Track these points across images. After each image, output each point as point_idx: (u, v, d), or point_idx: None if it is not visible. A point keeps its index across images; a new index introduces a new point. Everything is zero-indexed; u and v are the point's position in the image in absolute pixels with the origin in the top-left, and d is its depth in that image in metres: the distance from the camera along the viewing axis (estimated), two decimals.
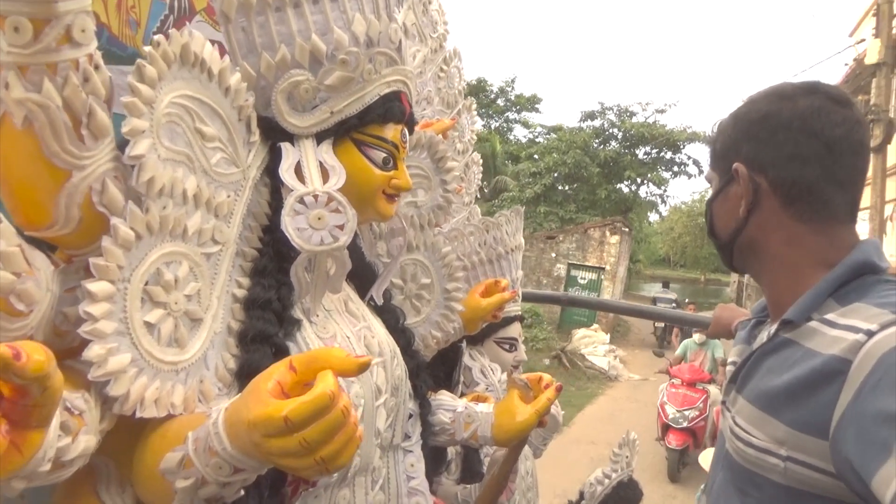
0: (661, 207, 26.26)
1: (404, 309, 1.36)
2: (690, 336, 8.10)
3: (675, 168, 23.21)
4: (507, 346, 1.79)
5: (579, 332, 13.52)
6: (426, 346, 1.43)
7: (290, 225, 0.92)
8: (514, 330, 1.81)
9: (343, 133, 1.01)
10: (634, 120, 22.37)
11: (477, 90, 24.80)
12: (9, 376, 0.52)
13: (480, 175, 1.89)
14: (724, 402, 1.06)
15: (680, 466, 6.85)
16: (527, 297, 2.35)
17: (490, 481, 1.43)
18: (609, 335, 14.02)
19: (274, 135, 0.99)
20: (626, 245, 16.76)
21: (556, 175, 20.67)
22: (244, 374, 0.90)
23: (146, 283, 0.79)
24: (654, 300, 17.44)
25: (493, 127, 25.84)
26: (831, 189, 0.93)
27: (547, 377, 1.30)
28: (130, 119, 0.75)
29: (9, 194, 0.74)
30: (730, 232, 1.02)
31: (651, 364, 8.21)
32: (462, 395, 1.55)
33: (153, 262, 0.79)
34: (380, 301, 1.22)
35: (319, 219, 0.93)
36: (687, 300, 19.44)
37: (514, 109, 26.47)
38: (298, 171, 0.96)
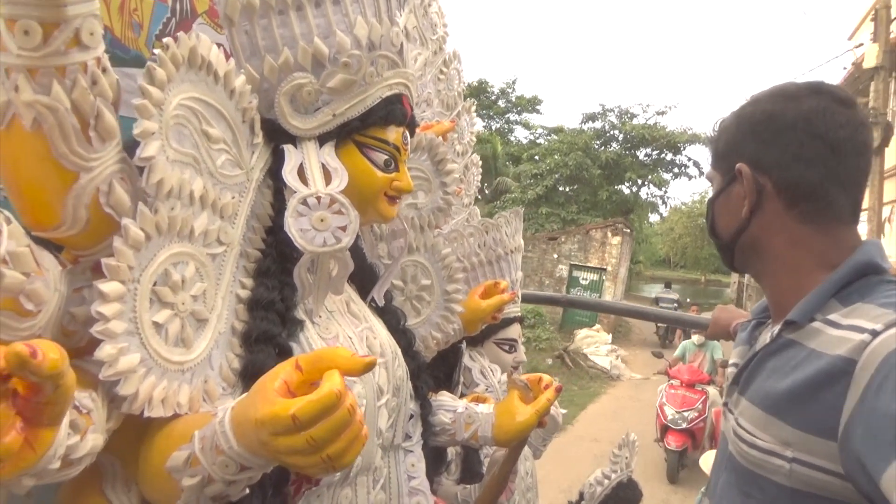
0: (662, 208, 26.34)
1: (405, 310, 1.36)
2: (697, 334, 8.09)
3: (676, 169, 23.33)
4: (506, 347, 1.80)
5: (581, 332, 13.60)
6: (426, 347, 1.44)
7: (294, 226, 0.93)
8: (514, 331, 1.82)
9: (345, 135, 1.02)
10: (635, 122, 22.48)
11: (478, 91, 24.86)
12: (25, 374, 0.53)
13: (480, 176, 1.89)
14: (725, 404, 1.06)
15: (679, 468, 6.83)
16: (526, 299, 2.35)
17: (490, 481, 1.44)
18: (611, 335, 14.09)
19: (277, 137, 1.00)
20: (627, 246, 16.81)
21: (557, 176, 20.71)
22: (248, 375, 0.91)
23: (155, 284, 0.80)
24: (657, 300, 17.48)
25: (493, 128, 25.87)
26: (835, 190, 0.93)
27: (547, 378, 1.31)
28: (141, 121, 0.76)
29: (17, 195, 0.74)
30: (731, 232, 1.02)
31: (652, 364, 8.19)
32: (462, 395, 1.56)
33: (161, 262, 0.80)
34: (381, 302, 1.23)
35: (322, 220, 0.94)
36: (688, 300, 19.45)
37: (515, 111, 26.51)
38: (301, 172, 0.97)
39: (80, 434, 0.70)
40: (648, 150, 22.79)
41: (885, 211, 9.87)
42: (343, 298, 1.12)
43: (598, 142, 22.28)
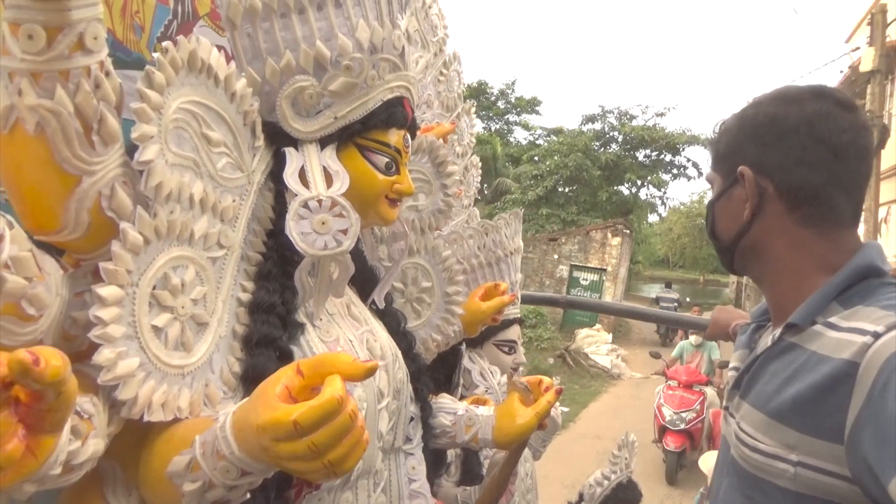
0: (661, 209, 26.44)
1: (405, 312, 1.36)
2: (695, 334, 8.09)
3: (675, 170, 23.45)
4: (506, 349, 1.80)
5: (582, 332, 13.72)
6: (426, 349, 1.44)
7: (295, 229, 0.92)
8: (514, 332, 1.82)
9: (347, 138, 1.02)
10: (634, 123, 22.56)
11: (477, 92, 24.93)
12: (27, 381, 0.53)
13: (479, 178, 1.90)
14: (727, 408, 1.06)
15: (678, 468, 6.83)
16: (526, 300, 2.35)
17: (490, 483, 1.44)
18: (611, 335, 14.21)
19: (278, 139, 1.00)
20: (627, 246, 16.93)
21: (557, 177, 20.77)
22: (249, 378, 0.91)
23: (154, 288, 0.80)
24: (658, 300, 17.56)
25: (493, 129, 25.91)
26: (837, 194, 0.93)
27: (547, 380, 1.31)
28: (140, 125, 0.76)
29: (19, 199, 0.74)
30: (732, 235, 1.02)
31: (652, 363, 8.23)
32: (462, 397, 1.56)
33: (161, 266, 0.80)
34: (381, 305, 1.23)
35: (323, 223, 0.94)
36: (688, 299, 19.48)
37: (515, 112, 26.55)
38: (302, 175, 0.97)
39: (82, 439, 0.70)
40: (648, 152, 22.89)
41: (882, 212, 9.97)
42: (344, 301, 1.12)
43: (597, 143, 22.36)
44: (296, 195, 0.94)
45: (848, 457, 0.79)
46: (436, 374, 1.55)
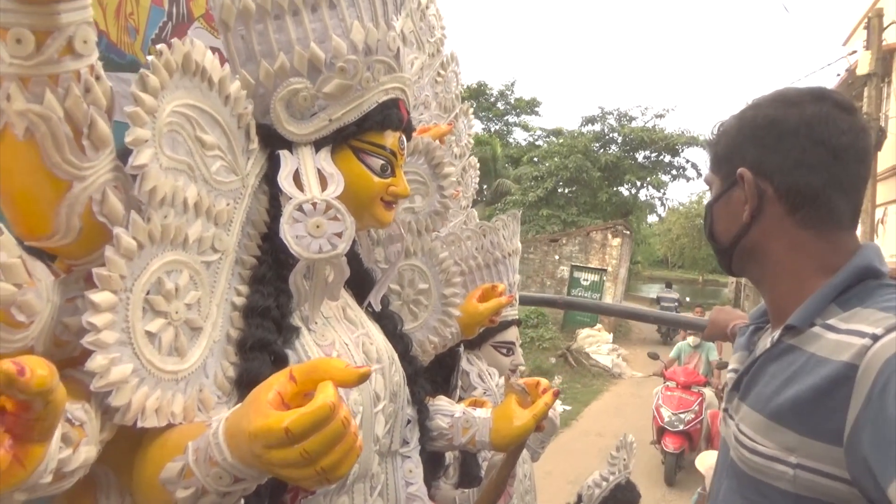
0: (660, 209, 26.52)
1: (402, 314, 1.36)
2: (693, 335, 8.09)
3: (674, 171, 23.58)
4: (504, 351, 1.80)
5: (584, 332, 13.84)
6: (424, 351, 1.43)
7: (289, 233, 0.92)
8: (512, 334, 1.81)
9: (341, 140, 1.01)
10: (634, 124, 22.67)
11: (477, 93, 25.03)
12: (12, 392, 0.52)
13: (477, 179, 1.89)
14: (726, 410, 1.05)
15: (676, 469, 6.82)
16: (524, 301, 2.35)
17: (488, 485, 1.44)
18: (612, 335, 14.33)
19: (272, 142, 0.99)
20: (627, 247, 17.04)
21: (557, 179, 20.82)
22: (243, 383, 0.90)
23: (147, 293, 0.79)
24: (658, 300, 17.67)
25: (492, 130, 25.98)
26: (836, 196, 0.93)
27: (544, 382, 1.31)
28: (133, 129, 0.75)
29: (9, 205, 0.74)
30: (731, 236, 1.02)
31: (652, 363, 8.28)
32: (460, 399, 1.55)
33: (154, 271, 0.80)
34: (378, 307, 1.22)
35: (318, 226, 0.93)
36: (688, 299, 19.53)
37: (514, 113, 26.62)
38: (297, 178, 0.96)
39: (73, 447, 0.70)
40: (647, 153, 23.01)
41: (878, 213, 10.08)
42: (339, 304, 1.12)
43: (597, 144, 22.48)
44: (290, 198, 0.94)
45: (847, 459, 0.79)
46: (434, 376, 1.55)
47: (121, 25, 1.14)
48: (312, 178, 0.97)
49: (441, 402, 1.37)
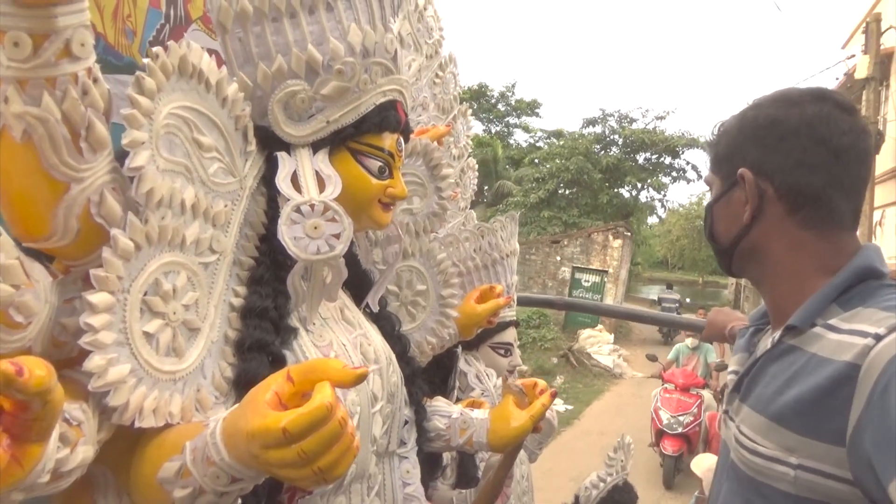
0: (660, 211, 26.62)
1: (400, 315, 1.36)
2: (691, 337, 8.07)
3: (674, 173, 23.73)
4: (502, 352, 1.80)
5: (585, 332, 13.94)
6: (421, 352, 1.43)
7: (287, 234, 0.92)
8: (510, 335, 1.81)
9: (339, 142, 1.02)
10: (634, 126, 22.79)
11: (478, 95, 25.15)
12: (11, 392, 0.53)
13: (476, 180, 1.89)
14: (726, 412, 1.05)
15: (675, 472, 6.78)
16: (522, 302, 2.35)
17: (485, 486, 1.44)
18: (612, 335, 14.45)
19: (270, 144, 0.99)
20: (627, 249, 17.22)
21: (558, 180, 20.90)
22: (241, 383, 0.91)
23: (145, 294, 0.80)
24: (659, 300, 17.76)
25: (493, 132, 26.05)
26: (837, 196, 0.92)
27: (542, 383, 1.31)
28: (130, 131, 0.76)
29: (7, 206, 0.74)
30: (732, 237, 1.01)
31: (651, 364, 8.33)
32: (458, 400, 1.56)
33: (152, 272, 0.80)
34: (375, 308, 1.23)
35: (316, 228, 0.93)
36: (688, 300, 19.56)
37: (515, 114, 26.70)
38: (295, 180, 0.97)
39: (70, 447, 0.70)
40: (648, 155, 23.15)
41: (876, 215, 10.15)
42: (337, 305, 1.12)
43: (598, 146, 22.62)
44: (288, 200, 0.94)
45: (850, 459, 0.79)
46: (431, 376, 1.55)
47: (118, 28, 1.14)
48: (310, 179, 0.97)
49: (438, 403, 1.37)
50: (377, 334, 1.18)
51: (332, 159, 1.01)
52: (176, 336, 0.84)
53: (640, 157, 23.25)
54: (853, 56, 10.87)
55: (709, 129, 1.10)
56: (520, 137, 27.45)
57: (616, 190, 22.65)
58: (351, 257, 1.19)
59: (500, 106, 26.59)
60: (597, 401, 10.52)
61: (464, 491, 1.59)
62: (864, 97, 9.75)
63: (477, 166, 1.89)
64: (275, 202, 0.98)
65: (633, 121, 23.24)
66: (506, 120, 27.09)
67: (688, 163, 23.42)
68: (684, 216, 31.46)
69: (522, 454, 1.80)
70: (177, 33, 1.24)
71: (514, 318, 1.84)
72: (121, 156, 0.78)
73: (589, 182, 21.08)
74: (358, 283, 1.21)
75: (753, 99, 1.02)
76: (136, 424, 0.78)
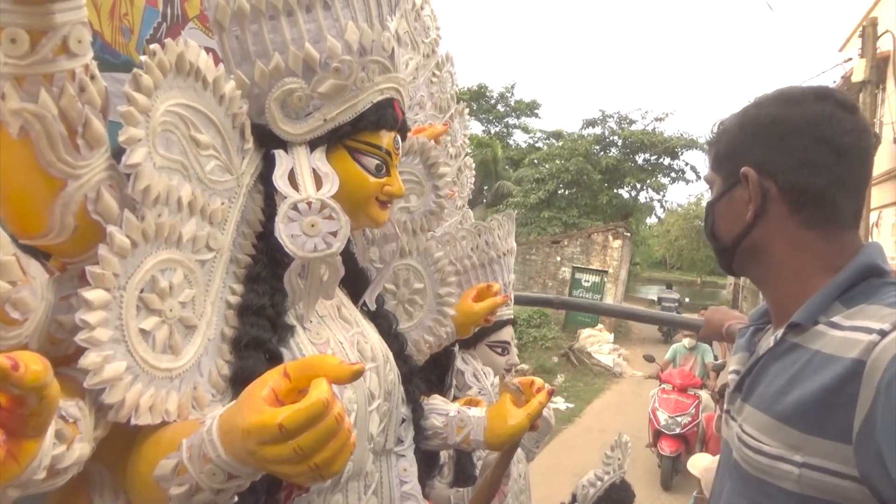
0: (659, 211, 26.71)
1: (397, 314, 1.36)
2: (688, 337, 8.06)
3: (673, 174, 23.80)
4: (499, 350, 1.80)
5: (585, 332, 14.06)
6: (419, 350, 1.43)
7: (284, 232, 0.92)
8: (507, 334, 1.82)
9: (336, 140, 1.02)
10: (634, 128, 22.88)
11: (477, 96, 25.23)
12: (6, 387, 0.53)
13: (473, 179, 1.89)
14: (727, 411, 1.05)
15: (673, 473, 6.75)
16: (519, 301, 2.35)
17: (483, 484, 1.44)
18: (612, 335, 14.55)
19: (268, 142, 0.99)
20: (627, 249, 17.36)
21: (558, 181, 20.97)
22: (238, 381, 0.91)
23: (141, 291, 0.79)
24: (659, 300, 17.84)
25: (492, 132, 26.12)
26: (840, 196, 0.92)
27: (539, 381, 1.31)
28: (127, 128, 0.76)
29: (4, 203, 0.74)
30: (733, 236, 1.01)
31: (649, 364, 8.37)
32: (455, 398, 1.56)
33: (148, 269, 0.80)
34: (373, 306, 1.23)
35: (313, 225, 0.94)
36: (687, 300, 19.62)
37: (514, 115, 26.77)
38: (292, 178, 0.97)
39: (67, 444, 0.70)
40: (647, 156, 23.25)
41: (873, 216, 10.23)
42: (334, 303, 1.12)
43: (597, 147, 22.72)
44: (285, 197, 0.94)
45: (856, 456, 0.78)
46: (429, 375, 1.55)
47: (115, 26, 1.14)
48: (307, 177, 0.97)
49: (436, 401, 1.37)
50: (374, 332, 1.18)
51: (330, 157, 1.01)
52: (172, 333, 0.84)
53: (640, 158, 23.35)
54: (850, 59, 11.04)
55: (707, 130, 1.09)
56: (519, 138, 27.59)
57: (615, 190, 22.78)
58: (348, 255, 1.19)
59: (499, 107, 26.66)
60: (597, 399, 10.64)
61: (461, 489, 1.59)
62: (860, 100, 9.85)
63: (474, 165, 1.89)
64: (272, 200, 0.98)
65: (632, 122, 23.39)
66: (505, 121, 27.16)
67: (686, 164, 23.57)
68: (683, 216, 31.51)
69: (520, 452, 1.81)
70: (174, 31, 1.24)
71: (512, 316, 1.84)
72: (117, 153, 0.78)
73: (588, 183, 21.18)
74: (355, 282, 1.21)
75: (754, 97, 1.02)
76: (133, 422, 0.78)
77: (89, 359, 0.73)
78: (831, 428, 0.81)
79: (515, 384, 1.30)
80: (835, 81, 11.99)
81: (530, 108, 26.81)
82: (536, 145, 25.89)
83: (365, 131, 1.03)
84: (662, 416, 6.81)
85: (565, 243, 16.59)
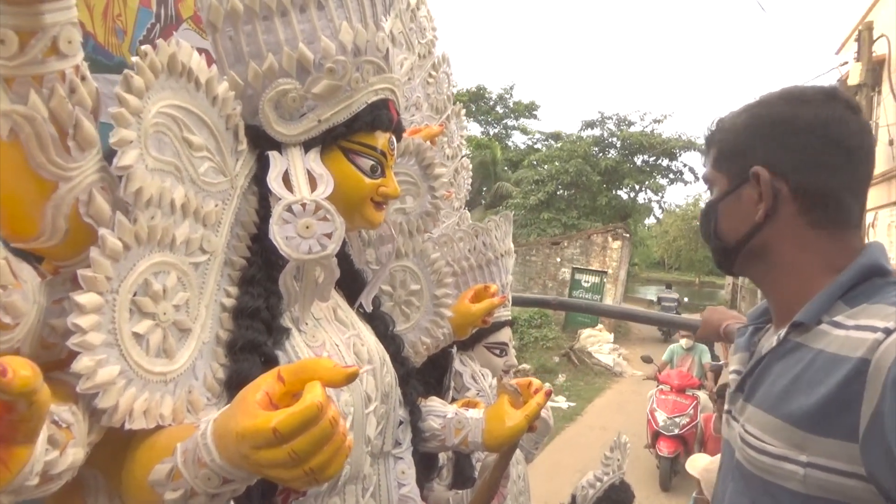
0: (657, 212, 26.85)
1: (394, 315, 1.36)
2: (685, 337, 8.07)
3: (671, 175, 23.93)
4: (497, 351, 1.79)
5: (585, 332, 14.19)
6: (416, 352, 1.43)
7: (279, 233, 0.92)
8: (505, 335, 1.81)
9: (331, 141, 1.01)
10: (632, 129, 22.99)
11: (476, 97, 25.34)
12: None
13: (470, 180, 1.89)
14: (729, 412, 1.04)
15: (671, 474, 6.75)
16: (517, 302, 2.35)
17: (481, 486, 1.43)
18: (612, 335, 14.67)
19: (262, 143, 0.99)
20: (626, 250, 17.52)
21: (558, 182, 21.08)
22: (233, 384, 0.90)
23: (134, 294, 0.79)
24: (659, 300, 17.97)
25: (491, 134, 26.21)
26: (848, 197, 0.92)
27: (536, 382, 1.31)
28: (118, 129, 0.75)
29: None
30: (739, 236, 1.00)
31: (647, 365, 8.43)
32: (453, 400, 1.55)
33: (141, 272, 0.79)
34: (369, 308, 1.22)
35: (307, 227, 0.93)
36: (686, 299, 19.70)
37: (513, 116, 26.85)
38: (286, 179, 0.96)
39: (60, 449, 0.69)
40: (645, 157, 23.37)
41: (869, 217, 10.35)
42: (330, 305, 1.12)
43: (596, 148, 22.86)
44: (279, 199, 0.93)
45: (863, 454, 0.78)
46: (426, 377, 1.54)
47: (108, 27, 1.14)
48: (302, 178, 0.97)
49: (433, 403, 1.37)
50: (371, 334, 1.17)
51: (324, 158, 1.01)
52: (166, 337, 0.83)
53: (638, 160, 23.52)
54: (846, 63, 11.14)
55: (705, 131, 1.08)
56: (518, 139, 27.69)
57: (614, 192, 22.92)
58: (344, 257, 1.19)
59: (498, 108, 26.74)
60: (598, 398, 10.83)
61: (460, 491, 1.59)
62: None
63: (471, 166, 1.88)
64: (266, 202, 0.98)
65: (631, 124, 23.57)
66: (504, 122, 27.23)
67: (685, 165, 23.81)
68: (681, 217, 31.57)
69: (519, 453, 1.80)
70: (167, 32, 1.24)
71: (510, 317, 1.84)
72: (109, 155, 0.77)
73: (588, 184, 21.31)
74: (351, 283, 1.21)
75: (760, 96, 1.00)
76: (127, 426, 0.77)
77: (82, 363, 0.72)
78: (837, 427, 0.80)
79: (513, 385, 1.30)
80: (832, 84, 12.14)
81: (529, 110, 26.91)
82: (535, 147, 25.99)
83: (360, 132, 1.02)
84: (661, 417, 6.81)
85: (565, 244, 16.72)
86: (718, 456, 1.14)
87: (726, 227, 1.02)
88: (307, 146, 1.00)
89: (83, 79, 0.73)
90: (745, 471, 0.95)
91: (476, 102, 25.69)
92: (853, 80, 9.97)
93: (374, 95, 1.03)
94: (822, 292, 0.91)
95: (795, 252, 0.95)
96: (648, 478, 6.95)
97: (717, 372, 7.29)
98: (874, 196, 10.41)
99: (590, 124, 23.80)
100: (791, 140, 0.93)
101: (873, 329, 0.80)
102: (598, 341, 13.77)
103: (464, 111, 1.83)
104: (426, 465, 1.40)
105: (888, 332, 0.78)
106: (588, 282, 16.13)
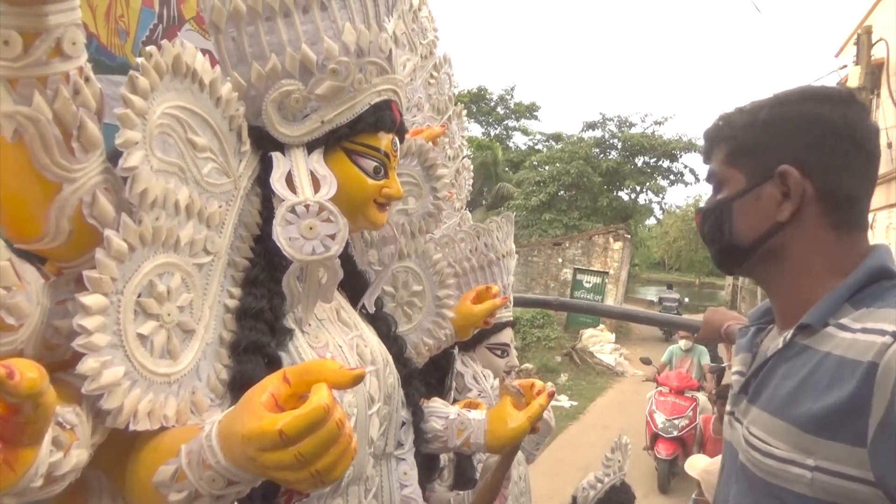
0: (658, 213, 26.93)
1: (396, 316, 1.35)
2: (684, 339, 8.06)
3: (672, 176, 24.01)
4: (499, 352, 1.79)
5: (587, 332, 14.27)
6: (418, 353, 1.43)
7: (282, 235, 0.92)
8: (506, 335, 1.81)
9: (334, 142, 1.01)
10: (633, 131, 23.09)
11: (477, 98, 25.40)
12: (1, 395, 0.52)
13: (471, 181, 1.89)
14: (732, 413, 1.04)
15: (670, 476, 6.72)
16: (518, 303, 2.35)
17: (483, 487, 1.44)
18: (614, 335, 14.72)
19: (265, 144, 0.99)
20: (627, 251, 17.58)
21: (559, 183, 21.15)
22: (237, 385, 0.90)
23: (139, 295, 0.79)
24: (660, 300, 18.07)
25: (492, 135, 26.27)
26: (864, 199, 0.93)
27: (539, 383, 1.31)
28: (123, 131, 0.75)
29: None
30: (757, 235, 0.97)
31: (646, 366, 8.45)
32: (454, 401, 1.55)
33: (146, 273, 0.79)
34: (371, 309, 1.22)
35: (311, 228, 0.93)
36: (686, 300, 19.75)
37: (514, 117, 26.91)
38: (289, 180, 0.96)
39: (64, 450, 0.69)
40: (646, 158, 23.43)
41: (869, 218, 10.51)
42: (333, 306, 1.11)
43: (597, 150, 23.00)
44: (283, 200, 0.93)
45: (871, 459, 0.77)
46: (428, 378, 1.54)
47: (111, 28, 1.14)
48: (305, 179, 0.97)
49: (435, 404, 1.36)
50: (373, 335, 1.17)
51: (327, 159, 1.01)
52: (170, 338, 0.83)
53: (639, 161, 23.63)
54: (845, 66, 11.25)
55: (712, 119, 1.05)
56: (519, 140, 27.75)
57: (615, 193, 23.03)
58: (346, 258, 1.18)
59: (499, 109, 26.79)
60: (600, 397, 10.94)
61: (462, 492, 1.59)
62: None
63: (472, 167, 1.88)
64: (269, 203, 0.97)
65: (632, 125, 23.72)
66: (505, 123, 27.28)
67: (685, 166, 23.95)
68: (681, 218, 31.55)
69: (520, 455, 1.80)
70: (170, 33, 1.24)
71: (511, 318, 1.83)
72: (113, 156, 0.77)
73: (589, 185, 21.42)
74: (354, 284, 1.21)
75: (775, 94, 0.98)
76: (131, 427, 0.77)
77: (87, 364, 0.72)
78: (845, 431, 0.80)
79: (516, 386, 1.30)
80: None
81: (530, 111, 26.97)
82: (536, 148, 26.06)
83: (363, 133, 1.02)
84: (660, 419, 6.78)
85: (567, 245, 16.80)
86: (718, 457, 1.14)
87: (742, 226, 0.99)
88: (310, 147, 1.00)
89: (87, 80, 0.73)
90: (750, 473, 0.94)
91: (477, 103, 25.76)
92: (852, 84, 10.05)
93: (378, 96, 1.02)
94: (829, 295, 0.90)
95: (808, 253, 0.94)
96: (647, 480, 6.93)
97: (716, 373, 7.28)
98: (873, 198, 10.56)
99: (591, 125, 23.94)
100: (821, 140, 0.92)
101: (881, 332, 0.80)
102: (599, 341, 13.84)
103: (465, 112, 1.83)
104: (428, 466, 1.39)
105: None
106: (590, 282, 16.20)
